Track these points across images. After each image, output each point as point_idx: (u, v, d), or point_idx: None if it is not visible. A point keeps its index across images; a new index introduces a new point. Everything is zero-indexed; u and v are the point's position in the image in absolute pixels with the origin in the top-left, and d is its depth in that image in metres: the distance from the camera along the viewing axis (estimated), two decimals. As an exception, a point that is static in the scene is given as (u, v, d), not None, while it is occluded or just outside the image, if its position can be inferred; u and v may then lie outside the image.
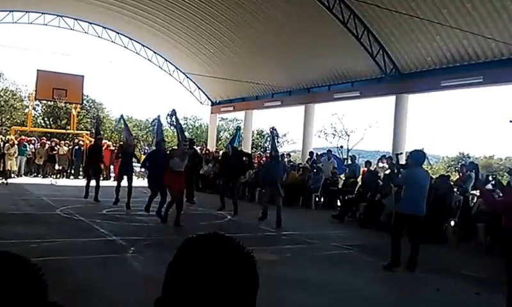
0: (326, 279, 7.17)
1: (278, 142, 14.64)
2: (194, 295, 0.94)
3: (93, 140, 17.85)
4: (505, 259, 6.02)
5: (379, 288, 6.81)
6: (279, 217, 11.49)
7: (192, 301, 0.94)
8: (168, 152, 12.48)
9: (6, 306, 0.95)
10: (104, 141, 24.37)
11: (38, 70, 23.19)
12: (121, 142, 16.46)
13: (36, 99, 25.67)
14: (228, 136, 40.38)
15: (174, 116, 12.37)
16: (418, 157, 8.33)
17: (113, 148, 22.34)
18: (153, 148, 16.19)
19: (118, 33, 28.65)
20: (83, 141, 23.93)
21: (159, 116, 13.23)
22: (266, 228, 11.38)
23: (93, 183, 13.99)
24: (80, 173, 23.17)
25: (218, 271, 0.95)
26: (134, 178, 14.90)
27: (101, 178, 15.21)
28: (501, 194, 12.43)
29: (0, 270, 0.98)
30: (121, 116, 16.97)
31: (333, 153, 20.43)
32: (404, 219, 7.97)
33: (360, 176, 17.18)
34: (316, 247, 9.70)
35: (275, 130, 13.59)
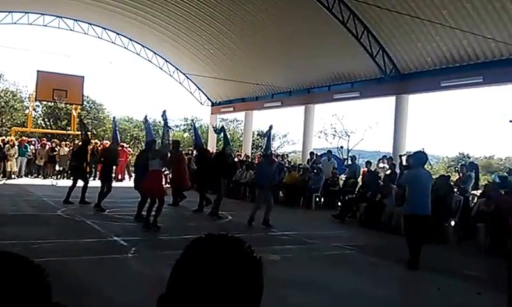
0: (327, 279, 7.19)
1: (272, 140, 14.50)
2: (199, 294, 0.94)
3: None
4: (508, 259, 6.06)
5: (380, 288, 6.80)
6: (267, 217, 11.46)
7: (197, 301, 0.94)
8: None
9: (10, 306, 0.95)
10: (105, 142, 24.53)
11: (38, 71, 23.21)
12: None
13: (36, 100, 25.69)
14: (228, 135, 40.33)
15: (164, 116, 12.70)
16: (420, 157, 8.58)
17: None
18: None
19: (118, 34, 28.66)
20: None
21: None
22: (267, 228, 11.37)
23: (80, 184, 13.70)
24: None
25: (225, 273, 0.95)
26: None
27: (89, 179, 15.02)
28: (503, 193, 12.52)
29: (4, 270, 0.97)
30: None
31: (333, 153, 20.47)
32: (410, 219, 8.20)
33: (360, 177, 17.20)
34: (317, 247, 9.71)
35: (270, 128, 13.49)
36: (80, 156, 14.34)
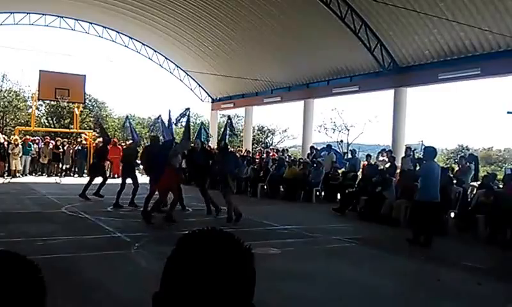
0: (328, 271, 7.25)
1: (231, 133, 14.67)
2: (191, 289, 0.94)
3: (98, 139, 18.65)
4: None
5: (380, 280, 6.84)
6: (230, 214, 10.94)
7: (189, 296, 0.94)
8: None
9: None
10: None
11: (40, 71, 23.29)
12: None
13: (39, 99, 25.82)
14: (229, 132, 40.38)
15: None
16: (431, 151, 9.79)
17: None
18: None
19: (118, 32, 28.78)
20: (86, 139, 24.17)
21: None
22: (268, 222, 11.46)
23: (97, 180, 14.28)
24: (85, 171, 23.46)
25: (215, 266, 0.95)
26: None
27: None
28: (501, 186, 12.64)
29: None
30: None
31: (333, 147, 20.58)
32: (423, 205, 9.17)
33: (361, 170, 17.32)
34: (318, 240, 9.74)
35: (230, 119, 13.64)
36: (100, 155, 15.26)
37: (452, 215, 11.51)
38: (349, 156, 19.68)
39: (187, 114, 14.26)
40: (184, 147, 12.76)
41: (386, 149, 18.17)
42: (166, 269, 1.00)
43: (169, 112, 14.56)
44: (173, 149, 11.69)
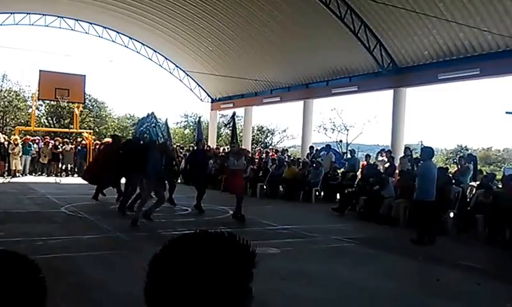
0: (327, 272, 7.25)
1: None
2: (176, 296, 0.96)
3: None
4: None
5: (379, 280, 6.83)
6: (151, 211, 10.57)
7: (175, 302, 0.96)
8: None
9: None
10: (108, 139, 24.71)
11: (40, 71, 23.33)
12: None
13: (39, 99, 25.85)
14: (229, 132, 40.39)
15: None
16: (428, 152, 10.18)
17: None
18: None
19: (118, 33, 28.78)
20: (86, 139, 24.22)
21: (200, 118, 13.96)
22: (267, 222, 11.49)
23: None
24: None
25: (199, 272, 0.96)
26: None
27: None
28: (500, 185, 12.66)
29: None
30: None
31: (332, 147, 20.60)
32: (423, 205, 9.49)
33: (360, 170, 17.35)
34: (317, 240, 9.77)
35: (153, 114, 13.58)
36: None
37: (451, 215, 11.51)
38: (349, 156, 19.70)
39: (233, 119, 14.55)
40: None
41: (386, 150, 18.18)
42: (150, 275, 1.04)
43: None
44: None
